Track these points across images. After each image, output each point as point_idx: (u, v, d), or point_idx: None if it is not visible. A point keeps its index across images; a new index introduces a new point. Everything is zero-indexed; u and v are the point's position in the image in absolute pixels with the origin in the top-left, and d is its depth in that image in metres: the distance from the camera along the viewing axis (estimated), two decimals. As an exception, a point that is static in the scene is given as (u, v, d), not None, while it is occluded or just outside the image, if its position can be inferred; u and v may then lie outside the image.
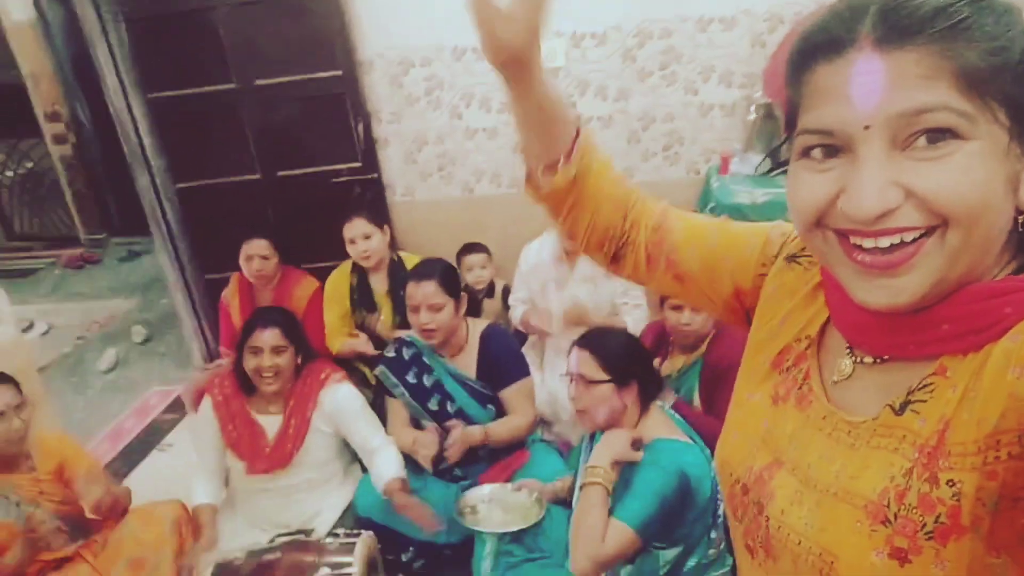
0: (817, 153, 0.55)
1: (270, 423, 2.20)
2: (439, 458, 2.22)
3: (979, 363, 0.53)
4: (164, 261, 3.53)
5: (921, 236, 0.52)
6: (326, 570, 1.93)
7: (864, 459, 0.58)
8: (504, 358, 2.32)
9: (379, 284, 2.90)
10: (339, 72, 3.11)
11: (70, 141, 5.66)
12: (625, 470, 1.71)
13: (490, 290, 3.10)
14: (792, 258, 0.72)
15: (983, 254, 0.54)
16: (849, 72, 0.52)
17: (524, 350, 2.76)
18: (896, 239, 0.52)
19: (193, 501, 2.23)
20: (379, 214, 2.92)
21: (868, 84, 0.51)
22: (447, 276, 2.26)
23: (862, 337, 0.61)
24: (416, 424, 2.35)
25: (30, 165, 5.91)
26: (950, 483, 0.51)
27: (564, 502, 2.04)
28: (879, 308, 0.54)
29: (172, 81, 3.20)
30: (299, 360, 2.23)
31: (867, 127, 0.51)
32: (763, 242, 0.76)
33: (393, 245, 2.90)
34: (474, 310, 2.52)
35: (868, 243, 0.53)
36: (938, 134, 0.50)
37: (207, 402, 2.24)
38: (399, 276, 2.80)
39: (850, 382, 0.63)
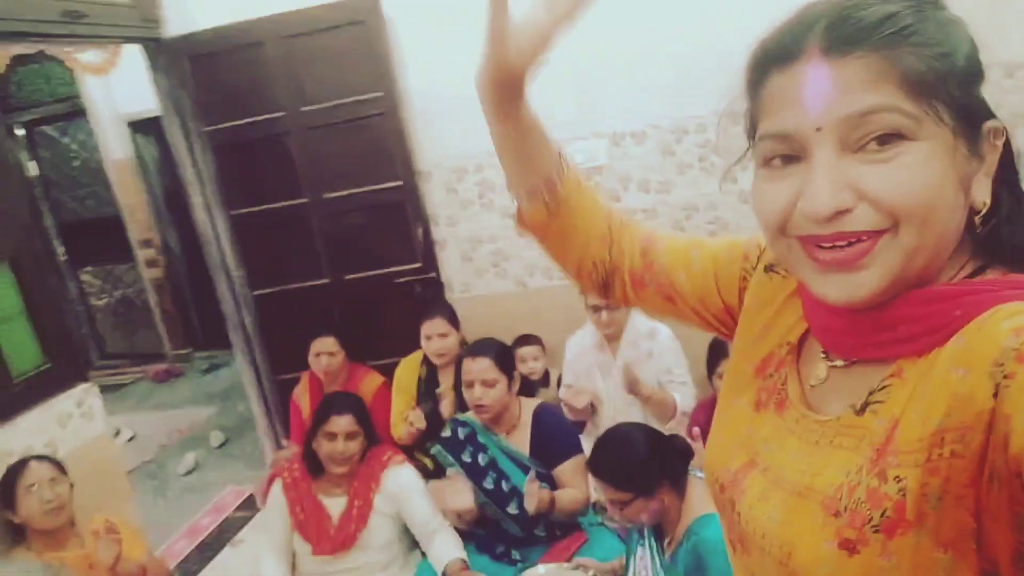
0: (777, 162, 0.58)
1: (335, 504, 2.30)
2: (479, 519, 2.26)
3: (929, 364, 0.55)
4: (241, 365, 3.75)
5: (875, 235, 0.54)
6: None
7: (826, 457, 0.60)
8: (557, 435, 2.37)
9: (446, 378, 3.03)
10: (400, 182, 3.38)
11: (160, 264, 6.15)
12: (671, 569, 1.72)
13: (545, 379, 3.18)
14: (770, 268, 0.75)
15: (937, 252, 0.56)
16: (800, 79, 0.55)
17: (580, 436, 2.81)
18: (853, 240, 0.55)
19: (263, 585, 2.31)
20: (454, 315, 3.09)
21: (817, 89, 0.54)
22: (501, 354, 2.37)
23: (830, 339, 0.64)
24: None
25: (124, 289, 6.41)
26: (896, 479, 0.53)
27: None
28: (840, 304, 0.57)
29: (251, 199, 3.53)
30: (365, 445, 2.35)
31: (819, 129, 0.54)
32: (741, 256, 0.79)
33: (462, 343, 3.05)
34: (528, 394, 2.60)
35: (826, 245, 0.56)
36: (886, 137, 0.53)
37: (277, 485, 2.37)
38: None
39: (825, 386, 0.65)
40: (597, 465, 1.75)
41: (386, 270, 3.49)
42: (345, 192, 3.43)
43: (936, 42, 0.54)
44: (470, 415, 2.43)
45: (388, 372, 3.20)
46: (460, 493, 2.27)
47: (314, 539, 2.27)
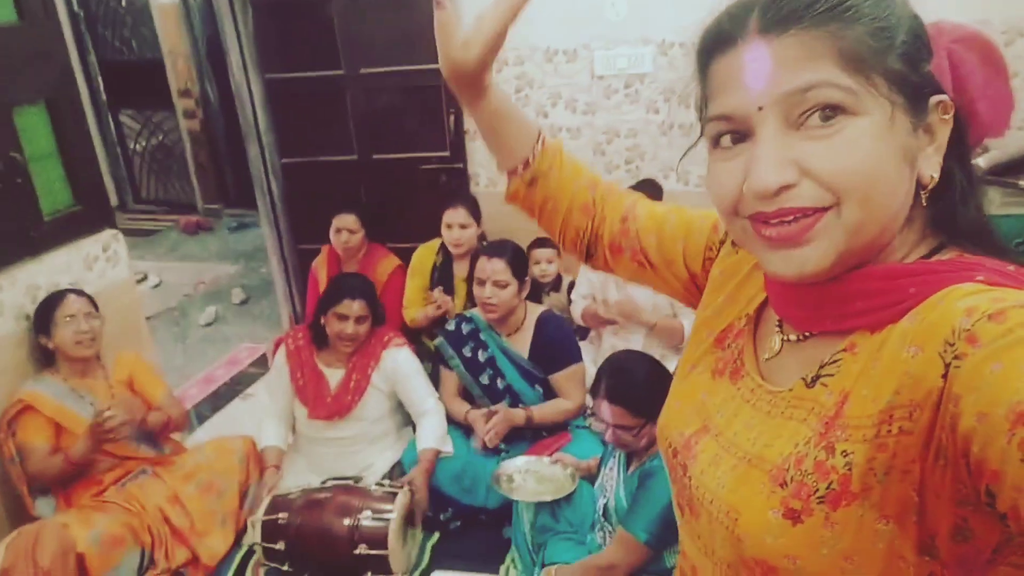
0: (726, 141, 0.59)
1: (334, 375, 2.41)
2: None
3: (881, 341, 0.56)
4: (265, 229, 3.84)
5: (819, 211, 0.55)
6: (368, 513, 2.11)
7: (777, 428, 0.61)
8: (558, 343, 2.44)
9: (460, 269, 3.07)
10: (436, 65, 3.30)
11: (198, 117, 6.17)
12: (630, 480, 1.82)
13: (556, 284, 3.22)
14: (736, 244, 0.77)
15: (883, 228, 0.56)
16: (740, 60, 0.56)
17: (582, 343, 2.88)
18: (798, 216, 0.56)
19: (262, 442, 2.46)
20: (476, 207, 3.10)
21: (756, 69, 0.55)
22: (516, 257, 2.41)
23: (786, 312, 0.66)
24: (466, 396, 2.51)
25: (161, 137, 6.47)
26: (844, 453, 0.54)
27: (594, 479, 2.14)
28: (789, 279, 0.58)
29: (287, 64, 3.50)
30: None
31: (760, 108, 0.55)
32: (711, 227, 0.81)
33: (481, 237, 3.08)
34: (535, 298, 2.65)
35: (773, 221, 0.57)
36: (828, 112, 0.53)
37: (282, 351, 2.48)
38: None
39: (778, 359, 0.67)
40: (616, 391, 1.79)
41: (414, 154, 3.48)
42: (382, 69, 3.38)
43: (872, 16, 0.54)
44: (476, 311, 2.49)
45: (405, 256, 3.25)
46: (454, 396, 2.39)
47: (311, 404, 2.40)
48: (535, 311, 2.48)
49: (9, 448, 2.20)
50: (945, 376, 0.49)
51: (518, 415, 2.35)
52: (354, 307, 2.33)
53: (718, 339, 0.74)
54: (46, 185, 2.50)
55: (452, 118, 3.38)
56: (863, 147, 0.53)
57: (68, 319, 2.26)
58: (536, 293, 2.72)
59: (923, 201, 0.58)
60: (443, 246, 3.09)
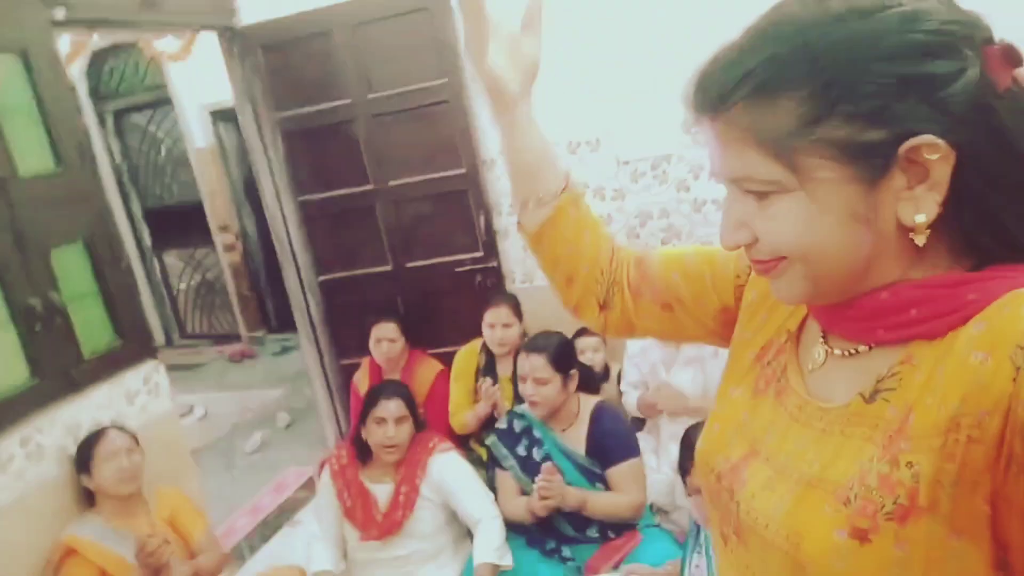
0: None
1: (382, 491, 2.29)
2: (541, 527, 2.21)
3: (944, 349, 0.53)
4: (306, 349, 3.82)
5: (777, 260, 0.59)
6: (429, 639, 1.93)
7: (837, 447, 0.59)
8: (613, 436, 2.29)
9: (504, 369, 2.99)
10: (463, 170, 3.36)
11: (237, 249, 6.35)
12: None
13: (604, 375, 3.10)
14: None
15: (850, 272, 0.57)
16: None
17: (640, 435, 2.73)
18: None
19: (312, 567, 2.33)
20: (518, 305, 3.05)
21: (708, 145, 0.59)
22: (559, 352, 2.30)
23: (834, 324, 0.64)
24: (524, 499, 2.35)
25: (204, 273, 6.65)
26: (909, 464, 0.52)
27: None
28: (786, 303, 0.65)
29: (319, 185, 3.58)
30: (412, 432, 2.34)
31: (720, 176, 0.61)
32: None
33: (523, 335, 3.01)
34: (592, 389, 2.53)
35: None
36: (759, 190, 0.57)
37: (326, 472, 2.38)
38: None
39: (824, 372, 0.64)
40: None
41: (448, 258, 3.48)
42: (409, 179, 3.43)
43: (809, 83, 0.52)
44: (527, 408, 2.38)
45: (447, 360, 3.19)
46: (512, 500, 2.24)
47: (361, 524, 2.27)
48: (589, 403, 2.36)
49: (56, 596, 2.11)
50: (1015, 381, 0.47)
51: (573, 494, 2.17)
52: (391, 407, 2.24)
53: (758, 356, 0.72)
54: (86, 323, 2.52)
55: (482, 218, 3.38)
56: (795, 220, 0.55)
57: (109, 457, 2.21)
58: (593, 385, 2.59)
59: (918, 242, 0.55)
60: (485, 346, 3.02)
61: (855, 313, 0.60)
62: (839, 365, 0.63)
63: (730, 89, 0.54)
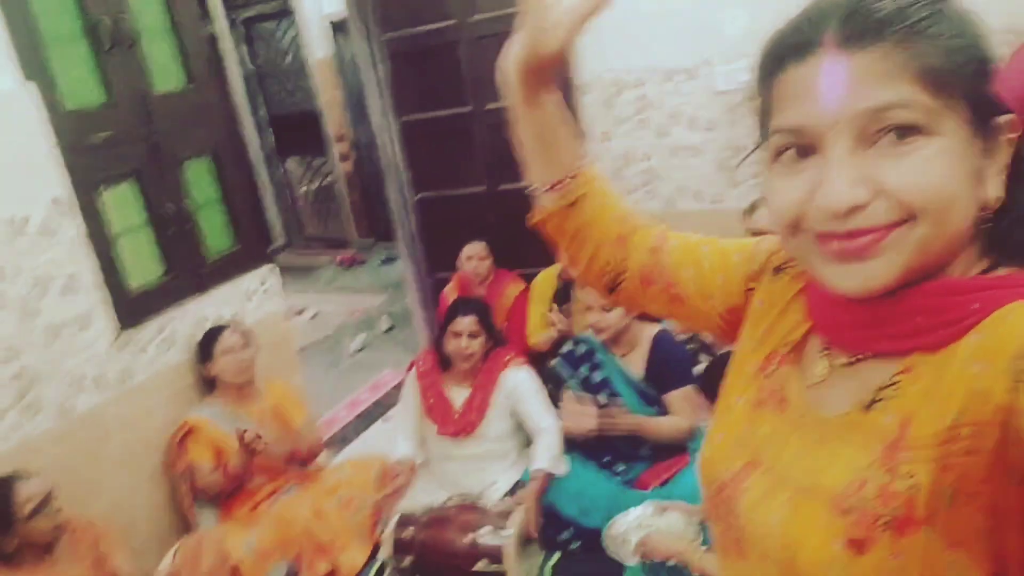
0: (790, 155, 0.57)
1: (459, 395, 2.54)
2: (598, 442, 2.38)
3: (944, 360, 0.54)
4: (405, 261, 4.10)
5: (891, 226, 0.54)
6: (487, 529, 2.19)
7: (832, 454, 0.59)
8: (672, 363, 2.42)
9: (582, 293, 3.13)
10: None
11: (351, 160, 6.67)
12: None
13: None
14: (779, 269, 0.74)
15: (950, 246, 0.55)
16: (816, 72, 0.54)
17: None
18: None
19: (395, 454, 2.63)
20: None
21: (833, 82, 0.53)
22: None
23: (838, 333, 0.63)
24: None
25: (321, 180, 7.05)
26: (908, 475, 0.52)
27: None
28: (853, 293, 0.56)
29: (421, 105, 3.74)
30: (489, 345, 2.55)
31: (835, 123, 0.53)
32: (749, 257, 0.78)
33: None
34: (653, 317, 2.64)
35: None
36: (904, 131, 0.52)
37: (412, 373, 2.65)
38: None
39: (826, 385, 0.64)
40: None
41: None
42: (506, 104, 3.52)
43: (953, 35, 0.52)
44: (591, 333, 2.53)
45: (531, 280, 3.36)
46: (584, 416, 2.37)
47: (439, 422, 2.54)
48: (651, 330, 2.48)
49: (181, 465, 2.51)
50: (1014, 391, 0.47)
51: (628, 420, 2.33)
52: (464, 322, 2.46)
53: (760, 368, 0.71)
54: (211, 229, 2.84)
55: (574, 145, 3.45)
56: (940, 167, 0.52)
57: (225, 351, 2.54)
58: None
59: (987, 222, 0.56)
60: (564, 271, 3.16)
61: (858, 320, 0.59)
62: (840, 377, 0.63)
63: (890, 18, 0.52)
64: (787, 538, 0.58)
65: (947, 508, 0.50)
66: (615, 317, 2.37)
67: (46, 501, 1.95)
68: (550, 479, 2.36)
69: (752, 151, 0.66)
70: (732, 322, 0.79)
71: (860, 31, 0.52)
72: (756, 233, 2.64)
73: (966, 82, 0.53)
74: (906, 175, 0.52)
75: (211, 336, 2.59)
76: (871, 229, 0.53)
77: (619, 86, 3.35)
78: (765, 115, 0.61)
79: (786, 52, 0.57)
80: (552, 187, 0.82)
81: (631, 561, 1.95)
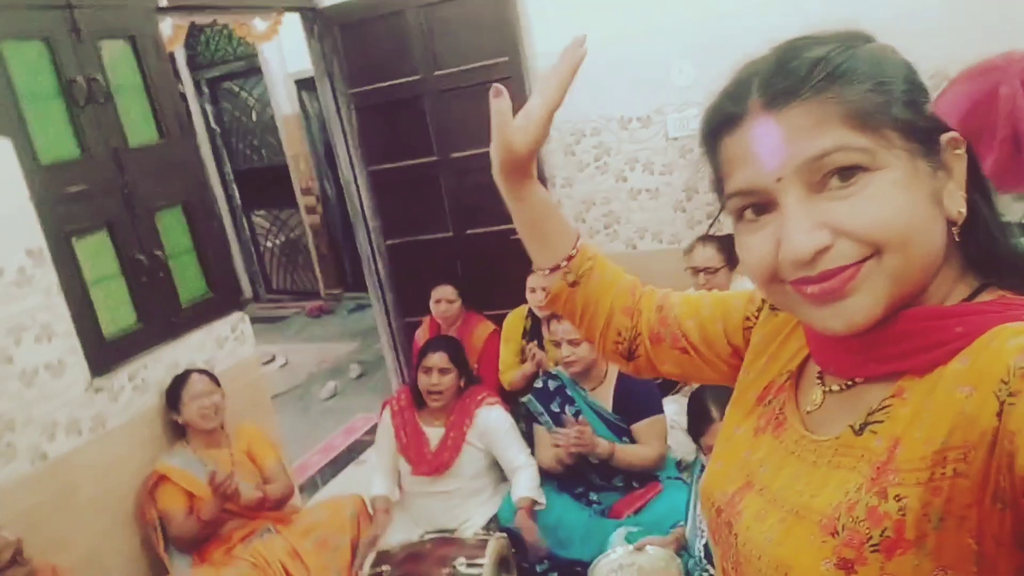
0: (750, 214, 0.60)
1: (434, 434, 2.59)
2: (572, 474, 2.46)
3: (931, 384, 0.55)
4: (375, 307, 4.16)
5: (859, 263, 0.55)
6: (463, 559, 2.22)
7: (824, 477, 0.60)
8: (638, 394, 2.51)
9: (548, 331, 3.22)
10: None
11: (318, 212, 6.76)
12: None
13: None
14: (775, 308, 0.77)
15: (925, 269, 0.57)
16: (749, 137, 0.57)
17: (673, 397, 2.93)
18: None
19: (371, 492, 2.66)
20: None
21: (767, 143, 0.56)
22: None
23: (830, 359, 0.65)
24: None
25: (288, 233, 7.11)
26: (897, 498, 0.52)
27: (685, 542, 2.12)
28: (840, 332, 0.57)
29: (388, 156, 3.87)
30: (462, 383, 2.61)
31: (779, 180, 0.56)
32: (747, 299, 0.82)
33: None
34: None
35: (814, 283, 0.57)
36: (846, 171, 0.54)
37: (387, 411, 2.70)
38: None
39: (821, 411, 0.66)
40: None
41: (504, 227, 3.70)
42: (471, 152, 3.67)
43: (871, 74, 0.55)
44: (561, 369, 2.62)
45: (499, 321, 3.45)
46: (546, 451, 2.47)
47: (413, 461, 2.58)
48: (617, 364, 2.57)
49: (151, 515, 2.49)
50: (1000, 415, 0.48)
51: (604, 445, 2.40)
52: (435, 359, 2.53)
53: (759, 397, 0.74)
54: (184, 276, 2.88)
55: (537, 190, 3.59)
56: (889, 198, 0.54)
57: (193, 397, 2.57)
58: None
59: (955, 237, 0.58)
60: (531, 310, 3.26)
61: (847, 347, 0.61)
62: (835, 402, 0.64)
63: (806, 73, 0.54)
64: (779, 558, 0.60)
65: (936, 531, 0.51)
66: (584, 350, 2.46)
67: (19, 550, 1.95)
68: (534, 506, 2.41)
69: (715, 218, 0.71)
70: (736, 366, 0.81)
71: (780, 91, 0.56)
72: (695, 270, 2.81)
73: (893, 115, 0.55)
74: (859, 213, 0.54)
75: (179, 382, 2.61)
76: (841, 268, 0.55)
77: (578, 134, 3.52)
78: (718, 182, 0.64)
79: (720, 125, 0.61)
80: (552, 270, 0.88)
81: None
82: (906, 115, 0.55)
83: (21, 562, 1.95)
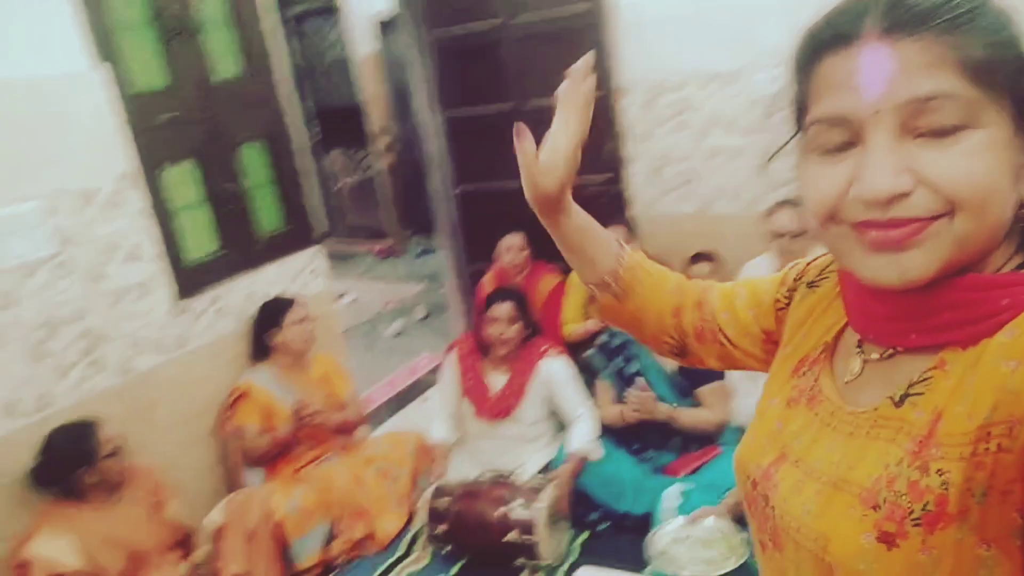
0: (827, 147, 0.57)
1: (497, 380, 2.65)
2: (630, 430, 2.48)
3: (975, 356, 0.54)
4: (444, 252, 4.22)
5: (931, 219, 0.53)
6: (519, 501, 2.29)
7: (862, 448, 0.59)
8: (705, 356, 2.49)
9: None
10: (599, 94, 3.50)
11: (392, 152, 6.83)
12: None
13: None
14: (812, 284, 0.76)
15: (989, 241, 0.55)
16: (857, 62, 0.53)
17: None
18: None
19: (433, 436, 2.75)
20: (633, 228, 3.25)
21: (876, 72, 0.52)
22: None
23: (872, 326, 0.63)
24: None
25: (363, 172, 7.22)
26: (939, 472, 0.52)
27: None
28: (890, 285, 0.55)
29: (464, 101, 3.86)
30: (526, 333, 2.64)
31: (876, 112, 0.53)
32: (779, 281, 0.81)
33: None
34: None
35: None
36: (948, 121, 0.52)
37: (453, 355, 2.76)
38: None
39: (860, 381, 0.64)
40: None
41: (576, 179, 3.67)
42: (546, 101, 3.61)
43: (994, 29, 0.53)
44: (625, 325, 2.61)
45: (567, 274, 3.45)
46: (607, 405, 2.50)
47: (476, 404, 2.64)
48: (686, 324, 2.55)
49: (230, 426, 2.64)
50: None
51: (662, 409, 2.42)
52: (501, 309, 2.56)
53: (795, 370, 0.73)
54: (263, 210, 2.98)
55: (613, 143, 3.54)
56: (982, 160, 0.52)
57: (295, 322, 2.68)
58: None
59: (1020, 220, 0.56)
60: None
61: (890, 312, 0.59)
62: (874, 372, 0.63)
63: (934, 8, 0.52)
64: (818, 531, 0.59)
65: (979, 505, 0.50)
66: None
67: (120, 445, 2.14)
68: (584, 462, 2.45)
69: (786, 143, 0.65)
70: (772, 351, 0.80)
71: (903, 21, 0.52)
72: (775, 234, 2.73)
73: (1008, 77, 0.52)
74: (949, 166, 0.52)
75: (280, 306, 2.71)
76: (911, 220, 0.53)
77: (659, 89, 3.42)
78: (801, 107, 0.60)
79: (826, 43, 0.56)
80: (598, 286, 0.87)
81: (684, 574, 1.99)
82: (1017, 82, 0.53)
83: (120, 456, 2.12)
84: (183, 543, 2.27)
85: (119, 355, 2.41)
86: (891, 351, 0.62)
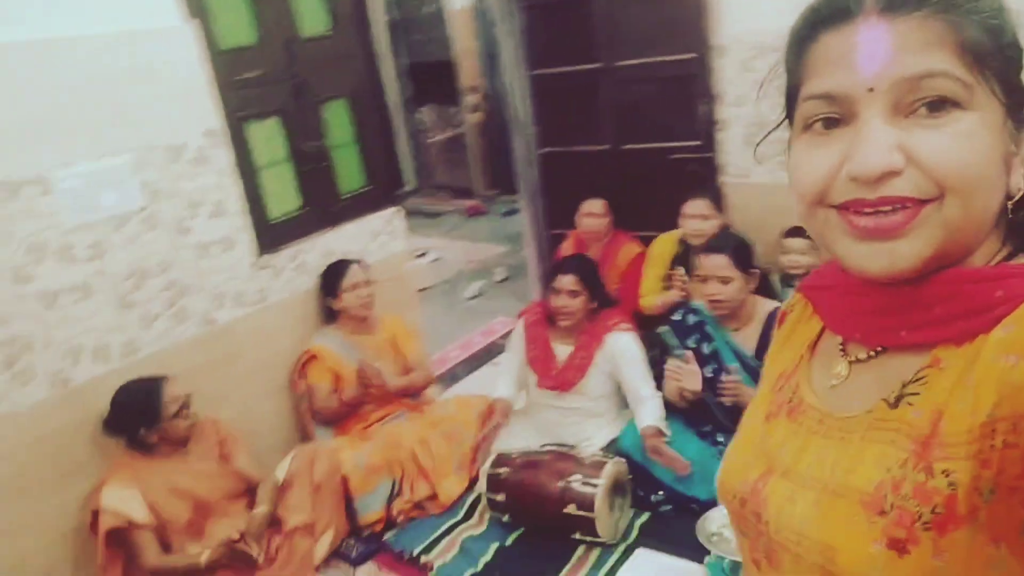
0: (819, 126, 0.56)
1: (562, 350, 2.59)
2: (699, 411, 2.39)
3: (973, 353, 0.53)
4: (525, 214, 4.17)
5: (921, 203, 0.52)
6: (579, 477, 2.25)
7: (858, 453, 0.58)
8: (784, 339, 2.35)
9: (701, 261, 3.08)
10: (693, 55, 3.33)
11: (480, 111, 6.78)
12: None
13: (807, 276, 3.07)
14: (785, 312, 0.78)
15: (978, 230, 0.54)
16: (854, 38, 0.53)
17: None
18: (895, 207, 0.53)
19: (495, 394, 2.75)
20: (719, 198, 3.11)
21: (873, 48, 0.52)
22: (739, 251, 2.37)
23: (856, 324, 0.62)
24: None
25: (452, 129, 7.22)
26: (945, 473, 0.51)
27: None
28: (880, 273, 0.54)
29: (551, 59, 3.75)
30: (595, 305, 2.57)
31: (871, 90, 0.52)
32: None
33: (724, 227, 3.04)
34: (767, 291, 2.57)
35: (868, 211, 0.54)
36: (939, 102, 0.51)
37: (521, 322, 2.73)
38: None
39: (846, 384, 0.63)
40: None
41: (664, 144, 3.53)
42: (637, 61, 3.47)
43: (992, 15, 0.53)
44: (703, 303, 2.50)
45: (648, 243, 3.34)
46: (694, 375, 2.38)
47: (540, 373, 2.61)
48: (766, 306, 2.42)
49: (301, 387, 2.72)
50: None
51: (750, 393, 2.31)
52: (564, 280, 2.50)
53: (773, 386, 0.72)
54: (345, 168, 3.00)
55: (704, 106, 3.36)
56: (973, 143, 0.52)
57: (352, 287, 2.71)
58: (767, 287, 2.63)
59: (1008, 212, 0.56)
60: (683, 237, 3.11)
61: (877, 307, 0.58)
62: (862, 374, 0.62)
63: None
64: (822, 541, 0.57)
65: (987, 503, 0.49)
66: (733, 290, 2.33)
67: (187, 403, 2.21)
68: (662, 435, 2.38)
69: (777, 125, 0.65)
70: None
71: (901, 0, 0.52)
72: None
73: (1000, 63, 0.53)
74: (940, 147, 0.51)
75: (338, 271, 2.75)
76: (900, 199, 0.52)
77: (759, 49, 3.21)
78: (793, 85, 0.59)
79: (823, 19, 0.56)
80: None
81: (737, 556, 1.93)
82: (1010, 68, 0.53)
83: (186, 415, 2.19)
84: (250, 493, 2.36)
85: (202, 307, 2.50)
86: (878, 349, 0.61)
